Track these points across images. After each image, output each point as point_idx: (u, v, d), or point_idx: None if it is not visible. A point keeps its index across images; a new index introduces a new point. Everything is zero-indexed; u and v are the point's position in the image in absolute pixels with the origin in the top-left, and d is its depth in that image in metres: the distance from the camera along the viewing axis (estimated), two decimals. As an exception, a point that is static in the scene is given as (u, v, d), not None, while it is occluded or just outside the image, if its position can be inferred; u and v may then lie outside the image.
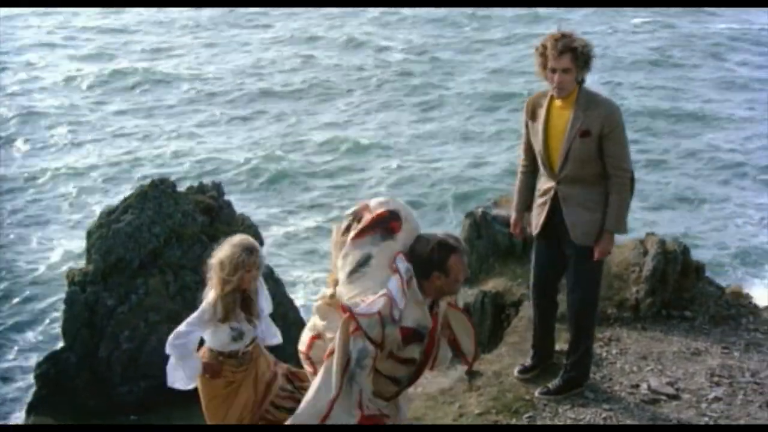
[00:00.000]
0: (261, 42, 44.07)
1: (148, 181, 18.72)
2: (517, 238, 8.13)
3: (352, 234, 5.33)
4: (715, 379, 7.69)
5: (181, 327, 6.13)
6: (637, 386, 7.52)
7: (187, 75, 39.20)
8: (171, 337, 6.12)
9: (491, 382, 7.67)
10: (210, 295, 6.12)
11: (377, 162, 30.11)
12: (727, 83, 36.42)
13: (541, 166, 6.93)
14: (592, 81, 7.04)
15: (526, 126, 7.01)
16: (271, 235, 24.88)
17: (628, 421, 7.02)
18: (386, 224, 5.31)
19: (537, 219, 7.09)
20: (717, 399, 7.34)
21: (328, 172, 29.68)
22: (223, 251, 6.06)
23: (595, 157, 6.72)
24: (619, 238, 7.62)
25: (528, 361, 7.71)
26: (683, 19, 46.17)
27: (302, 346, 5.57)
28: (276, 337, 6.68)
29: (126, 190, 22.98)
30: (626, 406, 7.21)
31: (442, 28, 45.51)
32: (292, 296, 19.34)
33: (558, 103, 6.76)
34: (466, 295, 9.93)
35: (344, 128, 33.37)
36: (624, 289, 9.21)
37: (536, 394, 7.39)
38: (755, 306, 9.47)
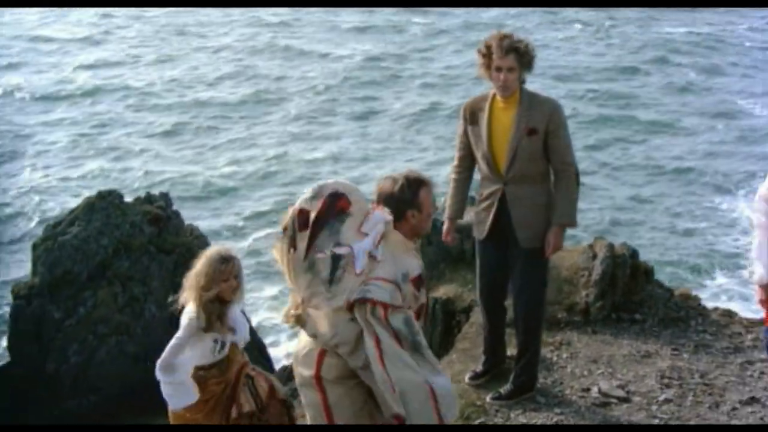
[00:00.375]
0: (208, 52, 43.78)
1: (95, 192, 18.50)
2: (448, 245, 8.07)
3: (303, 244, 5.02)
4: (665, 381, 7.72)
5: (170, 346, 5.96)
6: (588, 390, 7.52)
7: (134, 86, 38.81)
8: (163, 355, 5.93)
9: (443, 388, 7.63)
10: (190, 308, 6.00)
11: (328, 172, 30.00)
12: (676, 89, 36.77)
13: (486, 169, 6.93)
14: (541, 89, 7.08)
15: (465, 132, 7.03)
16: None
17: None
18: (333, 209, 5.01)
19: (482, 224, 7.07)
20: (667, 401, 7.37)
21: (279, 182, 29.53)
22: (199, 264, 5.97)
23: (541, 154, 6.80)
24: (567, 242, 7.64)
25: (479, 367, 7.69)
26: (631, 24, 46.54)
27: (309, 370, 5.13)
28: (244, 339, 6.63)
29: (72, 203, 22.64)
30: (577, 410, 7.21)
31: (390, 35, 45.52)
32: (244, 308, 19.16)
33: (500, 104, 6.81)
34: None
35: (294, 138, 33.21)
36: (574, 293, 9.24)
37: (488, 399, 7.36)
38: (704, 308, 9.55)
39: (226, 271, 5.91)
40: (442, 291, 9.90)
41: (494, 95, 6.86)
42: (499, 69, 6.63)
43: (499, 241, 7.04)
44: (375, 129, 33.78)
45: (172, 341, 5.95)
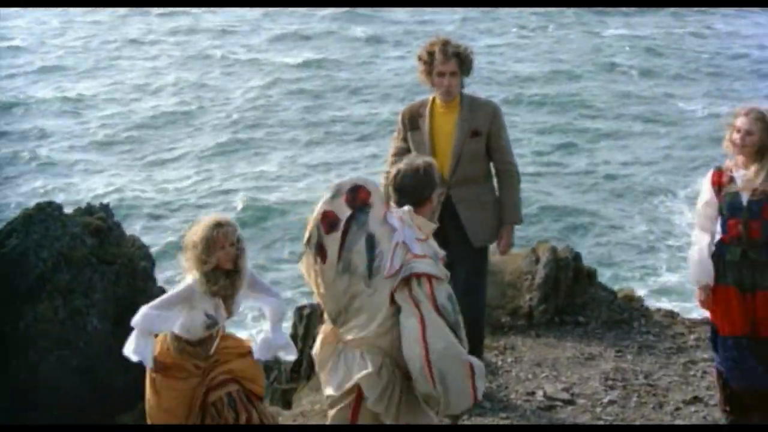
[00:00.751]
0: (147, 60, 43.14)
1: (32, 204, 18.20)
2: None
3: (334, 246, 4.85)
4: (609, 382, 7.76)
5: (158, 299, 5.78)
6: (533, 393, 7.53)
7: (70, 96, 38.11)
8: (146, 306, 5.73)
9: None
10: (189, 276, 5.79)
11: (270, 181, 29.68)
12: (618, 93, 36.85)
13: None
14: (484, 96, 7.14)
15: (405, 138, 7.05)
16: (166, 262, 24.39)
17: (526, 429, 7.04)
18: (356, 202, 4.89)
19: None
20: (611, 402, 7.40)
21: (221, 191, 29.21)
22: (193, 232, 5.78)
23: (483, 155, 6.94)
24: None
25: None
26: (573, 28, 46.60)
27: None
28: (292, 353, 6.46)
29: (9, 215, 22.17)
30: (523, 414, 7.22)
31: (335, 43, 45.23)
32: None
33: (441, 109, 6.90)
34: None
35: (236, 148, 32.75)
36: (517, 297, 9.26)
37: None
38: (647, 309, 9.64)
39: (221, 237, 5.68)
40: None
41: (433, 100, 6.92)
42: (442, 74, 6.72)
43: (442, 245, 7.06)
44: (317, 138, 33.49)
45: (162, 296, 5.81)
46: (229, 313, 5.93)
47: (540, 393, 7.54)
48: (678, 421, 7.11)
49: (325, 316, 5.09)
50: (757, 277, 6.09)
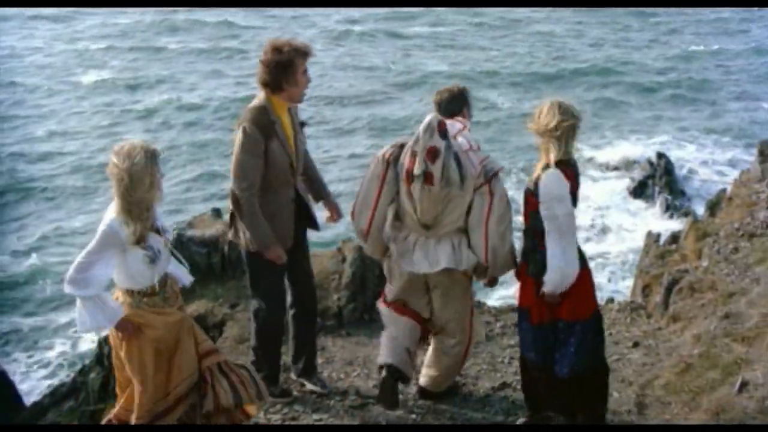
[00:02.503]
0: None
1: None
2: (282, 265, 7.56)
3: (438, 171, 6.08)
4: (421, 376, 7.80)
5: (76, 262, 5.18)
6: (346, 393, 7.51)
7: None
8: (70, 271, 5.17)
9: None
10: (111, 210, 5.24)
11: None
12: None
13: (285, 176, 6.67)
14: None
15: (266, 149, 6.49)
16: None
17: (339, 429, 6.99)
18: (443, 132, 6.13)
19: (287, 231, 6.78)
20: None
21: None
22: (126, 165, 5.13)
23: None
24: (314, 247, 7.69)
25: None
26: (378, 34, 46.12)
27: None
28: (187, 277, 5.98)
29: None
30: (336, 414, 7.18)
31: (145, 53, 43.56)
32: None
33: (280, 111, 6.64)
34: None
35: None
36: (326, 298, 9.27)
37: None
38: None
39: (159, 165, 5.29)
40: (194, 307, 9.64)
41: (273, 104, 6.59)
42: (304, 73, 6.57)
43: (301, 239, 7.08)
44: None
45: (80, 256, 5.21)
46: (157, 231, 5.50)
47: (353, 392, 7.53)
48: (487, 408, 7.24)
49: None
50: (537, 265, 6.16)
